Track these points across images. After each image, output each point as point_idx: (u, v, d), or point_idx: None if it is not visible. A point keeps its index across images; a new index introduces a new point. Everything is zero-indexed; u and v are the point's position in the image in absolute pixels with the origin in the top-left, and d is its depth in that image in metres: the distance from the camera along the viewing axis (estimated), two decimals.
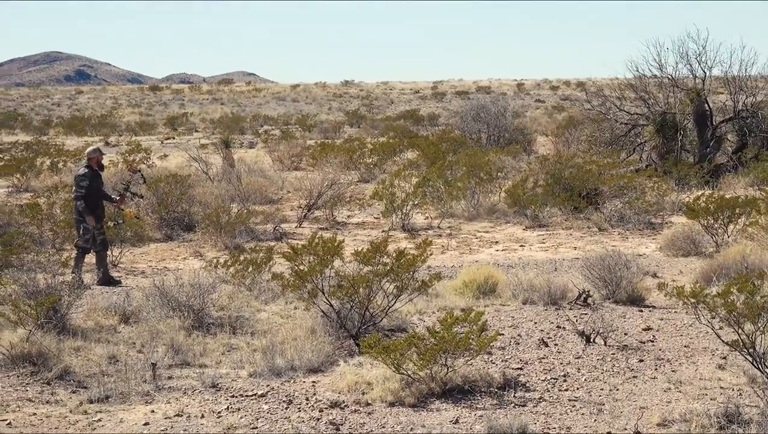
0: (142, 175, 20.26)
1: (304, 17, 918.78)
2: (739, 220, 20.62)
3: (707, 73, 35.82)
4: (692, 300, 10.24)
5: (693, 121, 34.86)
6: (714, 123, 34.89)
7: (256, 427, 10.17)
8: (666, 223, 24.39)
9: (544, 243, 22.49)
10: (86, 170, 17.96)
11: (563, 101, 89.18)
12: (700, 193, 23.95)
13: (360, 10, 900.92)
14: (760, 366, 10.23)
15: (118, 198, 18.64)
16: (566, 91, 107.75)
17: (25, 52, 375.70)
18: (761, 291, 10.15)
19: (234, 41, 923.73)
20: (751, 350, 10.17)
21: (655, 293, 15.85)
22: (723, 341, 10.77)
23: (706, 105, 34.99)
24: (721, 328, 11.19)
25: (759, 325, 10.10)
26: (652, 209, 25.04)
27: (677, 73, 36.25)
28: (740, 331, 10.10)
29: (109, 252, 19.58)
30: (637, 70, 36.89)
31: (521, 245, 22.28)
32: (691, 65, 35.93)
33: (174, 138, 61.66)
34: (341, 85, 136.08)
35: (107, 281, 17.76)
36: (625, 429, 9.83)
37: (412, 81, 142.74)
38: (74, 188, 18.20)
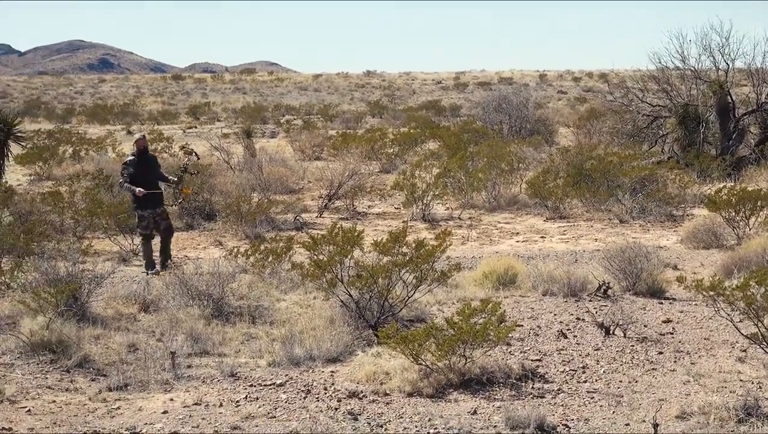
0: (196, 154, 20.66)
1: (327, 7, 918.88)
2: (761, 213, 20.50)
3: (730, 66, 35.53)
4: (711, 293, 10.18)
5: (715, 113, 34.54)
6: (737, 115, 34.57)
7: (275, 416, 10.17)
8: (687, 215, 24.29)
9: (564, 235, 22.43)
10: (131, 158, 18.18)
11: (586, 93, 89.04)
12: (721, 185, 23.83)
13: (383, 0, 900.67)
14: None
15: (176, 180, 18.83)
16: (589, 82, 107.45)
17: (49, 41, 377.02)
18: None
19: (256, 31, 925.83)
20: None
21: (676, 285, 15.77)
22: (742, 334, 10.75)
23: (728, 97, 34.67)
24: (741, 321, 11.18)
25: None
26: (674, 201, 24.92)
27: (700, 65, 35.96)
28: (759, 324, 10.05)
29: (129, 241, 19.70)
30: (660, 62, 36.65)
31: (542, 237, 22.23)
32: (714, 57, 35.63)
33: (196, 127, 61.72)
34: (363, 76, 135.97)
35: (162, 264, 17.86)
36: (644, 421, 9.79)
37: (434, 72, 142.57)
38: None
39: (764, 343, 10.16)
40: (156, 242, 18.23)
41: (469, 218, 24.90)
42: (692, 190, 26.55)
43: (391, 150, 37.53)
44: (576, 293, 15.32)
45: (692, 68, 35.89)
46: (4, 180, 28.34)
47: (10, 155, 31.07)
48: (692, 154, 31.45)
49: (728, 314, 10.63)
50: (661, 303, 15.01)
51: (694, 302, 14.88)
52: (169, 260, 17.70)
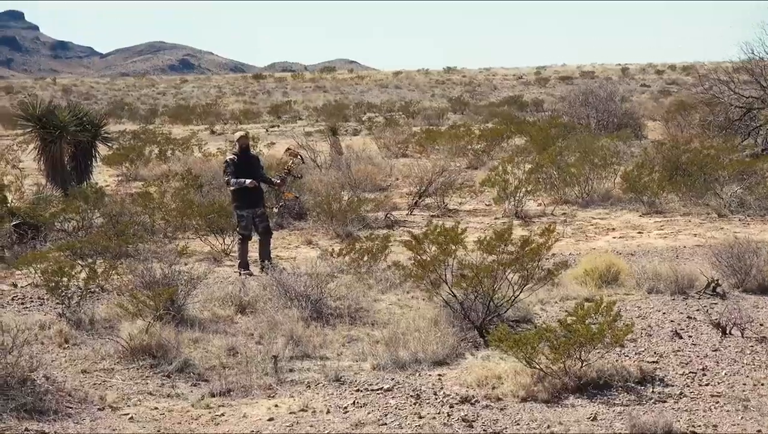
0: (301, 158, 20.45)
1: (404, 5, 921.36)
2: None
3: None
4: None
5: None
6: None
7: (385, 423, 9.79)
8: None
9: (662, 230, 21.76)
10: (232, 157, 17.81)
11: (669, 85, 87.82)
12: None
13: None
14: None
15: (279, 181, 18.60)
16: (672, 75, 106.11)
17: (130, 43, 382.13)
18: None
19: (335, 29, 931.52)
20: None
21: None
22: None
23: None
24: None
25: None
26: None
27: None
28: None
29: (220, 241, 19.43)
30: (753, 53, 35.74)
31: (639, 232, 21.58)
32: None
33: (278, 126, 61.43)
34: (443, 72, 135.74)
35: (251, 262, 17.62)
36: None
37: (515, 67, 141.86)
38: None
39: None
40: (253, 242, 17.89)
41: (563, 213, 24.26)
42: None
43: (478, 146, 36.89)
44: (684, 290, 14.74)
45: None
46: (92, 181, 28.20)
47: (97, 156, 30.99)
48: None
49: None
50: None
51: None
52: (268, 261, 17.28)
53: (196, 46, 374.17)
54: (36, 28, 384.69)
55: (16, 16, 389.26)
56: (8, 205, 21.45)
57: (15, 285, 16.85)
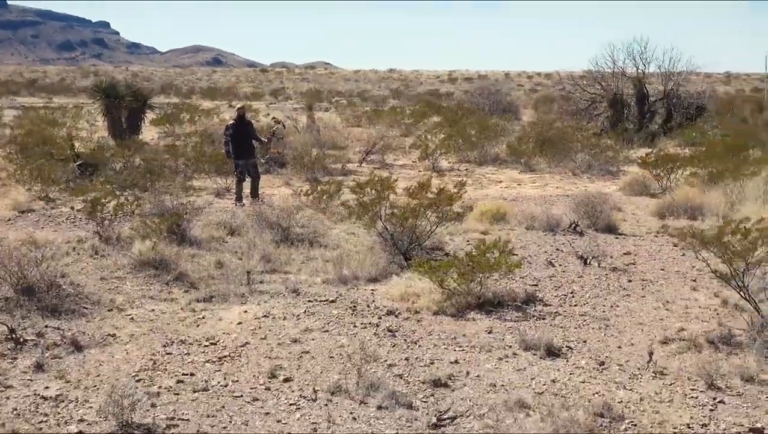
0: (283, 125, 18.90)
1: (364, 19, 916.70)
2: (679, 171, 18.36)
3: (646, 67, 33.25)
4: (691, 238, 8.05)
5: (635, 100, 32.32)
6: (650, 102, 32.33)
7: (328, 331, 8.16)
8: (621, 171, 21.99)
9: (535, 183, 20.20)
10: (232, 122, 16.20)
11: (536, 86, 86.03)
12: (647, 151, 21.64)
13: (400, 15, 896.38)
14: (747, 295, 8.06)
15: (266, 140, 16.91)
16: (538, 79, 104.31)
17: (180, 45, 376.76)
18: (751, 235, 7.91)
19: (317, 38, 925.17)
20: (740, 282, 7.99)
21: (624, 223, 13.79)
22: (717, 275, 8.36)
23: (644, 89, 32.39)
24: (683, 255, 9.08)
25: (748, 261, 7.91)
26: (611, 161, 22.68)
27: (625, 66, 33.66)
28: (732, 267, 7.93)
29: (222, 181, 17.71)
30: (597, 64, 34.27)
31: (518, 184, 20.02)
32: (635, 60, 33.34)
33: (275, 103, 59.21)
34: (387, 72, 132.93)
35: (244, 197, 15.92)
36: (632, 343, 7.77)
37: (434, 70, 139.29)
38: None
39: (734, 282, 7.99)
40: (246, 184, 16.17)
41: (465, 169, 22.60)
42: (622, 153, 24.27)
43: (408, 121, 35.11)
44: (552, 228, 13.19)
45: (620, 68, 33.49)
46: (141, 137, 26.36)
47: (145, 119, 29.14)
48: (620, 128, 29.12)
49: (703, 258, 8.39)
50: (617, 238, 12.88)
51: (641, 238, 12.81)
52: (256, 198, 15.61)
53: (224, 48, 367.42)
54: (117, 33, 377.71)
55: (105, 24, 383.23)
56: (75, 150, 19.70)
57: (72, 208, 15.06)
